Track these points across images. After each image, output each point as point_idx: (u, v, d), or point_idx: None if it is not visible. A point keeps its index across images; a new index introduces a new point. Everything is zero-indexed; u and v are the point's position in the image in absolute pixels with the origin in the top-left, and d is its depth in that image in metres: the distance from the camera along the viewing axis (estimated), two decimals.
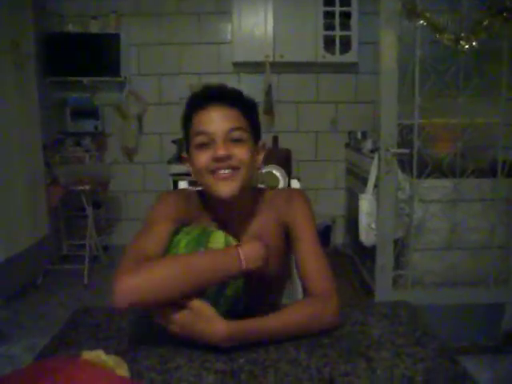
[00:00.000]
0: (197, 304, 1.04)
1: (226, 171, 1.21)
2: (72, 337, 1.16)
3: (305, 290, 1.26)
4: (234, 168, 1.21)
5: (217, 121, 1.22)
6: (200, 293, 1.06)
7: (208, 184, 1.23)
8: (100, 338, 1.14)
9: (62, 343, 1.13)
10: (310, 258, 1.26)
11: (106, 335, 1.16)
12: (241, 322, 1.05)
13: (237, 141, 1.22)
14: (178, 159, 4.19)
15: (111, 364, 0.93)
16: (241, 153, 1.22)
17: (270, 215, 1.34)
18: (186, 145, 1.31)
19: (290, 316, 1.12)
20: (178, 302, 1.04)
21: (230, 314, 1.09)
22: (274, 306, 1.16)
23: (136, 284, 1.02)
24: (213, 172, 1.21)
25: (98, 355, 0.94)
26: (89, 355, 0.94)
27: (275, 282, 1.38)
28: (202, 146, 1.22)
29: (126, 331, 1.17)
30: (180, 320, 1.04)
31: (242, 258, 1.07)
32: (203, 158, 1.22)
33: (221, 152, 1.19)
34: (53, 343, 1.13)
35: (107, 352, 0.95)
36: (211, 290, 1.07)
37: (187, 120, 1.28)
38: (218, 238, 1.14)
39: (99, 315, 1.27)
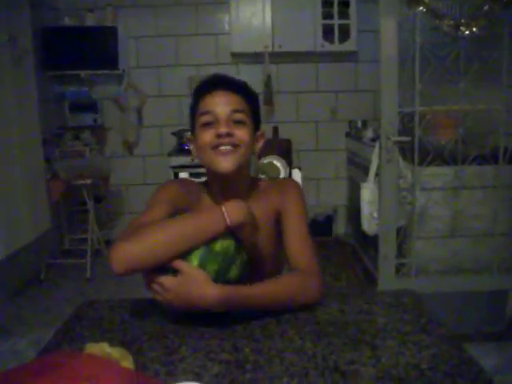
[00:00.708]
0: (190, 269, 1.09)
1: (228, 147, 1.29)
2: (76, 330, 1.15)
3: (292, 267, 1.31)
4: (235, 145, 1.30)
5: (221, 103, 1.31)
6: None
7: (209, 159, 1.31)
8: (104, 331, 1.14)
9: (65, 337, 1.12)
10: (296, 238, 1.33)
11: (110, 328, 1.15)
12: (232, 286, 1.11)
13: (238, 122, 1.32)
14: (179, 150, 4.19)
15: (116, 356, 0.92)
16: (241, 133, 1.31)
17: (264, 203, 1.40)
18: (191, 127, 1.40)
19: (277, 285, 1.18)
20: (171, 268, 1.10)
21: None
22: None
23: (129, 250, 1.10)
24: (214, 148, 1.29)
25: (102, 348, 0.94)
26: (93, 348, 0.94)
27: (269, 268, 1.41)
28: (207, 124, 1.31)
29: (129, 323, 1.16)
30: (174, 286, 1.09)
31: (225, 213, 1.13)
32: (207, 136, 1.30)
33: (224, 129, 1.28)
34: (57, 337, 1.13)
35: (111, 344, 0.95)
36: (213, 269, 1.11)
37: (194, 104, 1.37)
38: None
39: (103, 308, 1.27)
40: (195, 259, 1.10)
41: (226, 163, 1.28)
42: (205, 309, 1.09)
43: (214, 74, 1.39)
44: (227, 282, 1.12)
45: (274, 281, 1.19)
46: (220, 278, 1.11)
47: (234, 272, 1.14)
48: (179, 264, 1.10)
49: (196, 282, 1.08)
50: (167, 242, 1.10)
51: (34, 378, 0.85)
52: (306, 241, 1.33)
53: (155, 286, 1.11)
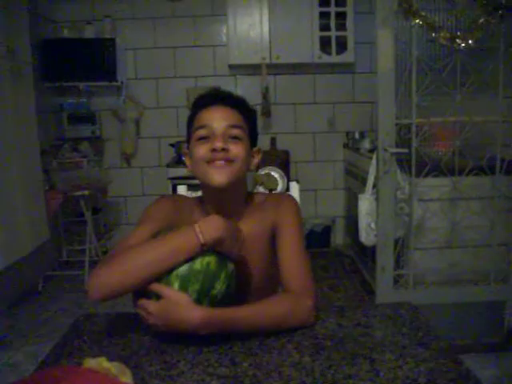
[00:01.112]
0: (171, 293, 1.09)
1: (222, 162, 1.27)
2: (74, 344, 1.15)
3: (284, 287, 1.29)
4: (229, 161, 1.28)
5: (218, 118, 1.30)
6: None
7: (203, 173, 1.30)
8: (102, 345, 1.14)
9: (64, 351, 1.12)
10: (290, 256, 1.31)
11: (109, 342, 1.15)
12: (216, 309, 1.10)
13: (234, 138, 1.30)
14: (177, 162, 4.19)
15: (114, 371, 0.92)
16: (237, 149, 1.29)
17: (259, 219, 1.38)
18: (187, 140, 1.39)
19: (265, 308, 1.16)
20: (153, 293, 1.10)
21: None
22: None
23: (105, 277, 1.11)
24: (209, 162, 1.28)
25: (100, 363, 0.94)
26: (91, 363, 0.94)
27: (263, 285, 1.39)
28: (202, 139, 1.30)
29: (128, 337, 1.16)
30: (155, 310, 1.09)
31: (198, 231, 1.11)
32: (202, 150, 1.29)
33: (219, 144, 1.26)
34: (55, 351, 1.12)
35: (110, 359, 0.95)
36: (195, 289, 1.09)
37: (191, 117, 1.37)
38: None
39: (101, 322, 1.27)
40: (175, 281, 1.09)
41: (219, 177, 1.27)
42: (189, 331, 1.08)
43: (214, 88, 1.38)
44: (213, 298, 1.11)
45: (261, 303, 1.17)
46: (204, 296, 1.10)
47: (218, 286, 1.11)
48: (159, 288, 1.09)
49: (178, 306, 1.07)
50: (143, 267, 1.10)
51: None
52: (300, 259, 1.30)
53: (139, 310, 1.12)
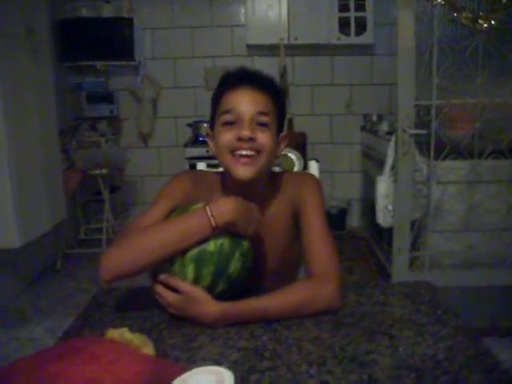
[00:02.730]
0: (187, 288, 1.09)
1: (248, 152, 1.21)
2: (96, 316, 1.17)
3: (307, 272, 1.26)
4: (256, 151, 1.22)
5: (246, 102, 1.23)
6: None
7: (228, 163, 1.24)
8: (124, 318, 1.16)
9: (86, 323, 1.14)
10: (314, 240, 1.26)
11: (130, 315, 1.17)
12: (233, 303, 1.09)
13: (262, 125, 1.23)
14: (194, 142, 4.20)
15: (136, 342, 0.94)
16: (264, 137, 1.23)
17: (281, 199, 1.35)
18: (211, 122, 1.32)
19: (284, 296, 1.13)
20: (172, 285, 1.10)
21: (233, 293, 1.13)
22: None
23: (115, 258, 1.12)
24: (233, 151, 1.22)
25: (122, 334, 0.95)
26: (114, 334, 0.96)
27: (286, 265, 1.39)
28: (228, 124, 1.23)
29: (148, 311, 1.18)
30: (174, 303, 1.11)
31: (210, 214, 1.09)
32: (227, 136, 1.23)
33: (246, 132, 1.20)
34: (77, 323, 1.15)
35: (132, 331, 0.96)
36: (210, 271, 1.09)
37: (217, 98, 1.29)
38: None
39: (122, 295, 1.29)
40: (189, 264, 1.09)
41: (244, 172, 1.22)
42: (207, 325, 1.08)
43: (242, 67, 1.29)
44: (228, 277, 1.11)
45: (279, 292, 1.14)
46: (219, 276, 1.10)
47: (233, 266, 1.11)
48: (177, 283, 1.10)
49: (195, 302, 1.08)
50: (153, 249, 1.10)
51: (55, 361, 0.86)
52: (324, 241, 1.25)
53: (158, 297, 1.14)
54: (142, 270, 1.12)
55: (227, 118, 1.23)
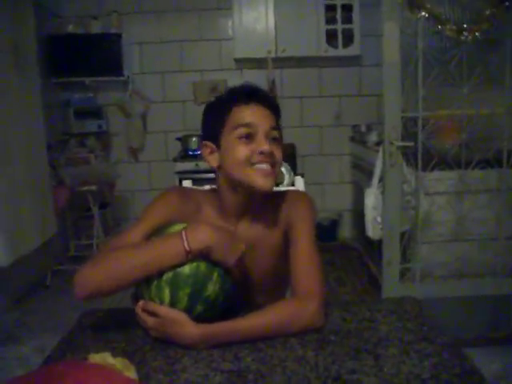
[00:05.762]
0: (164, 311, 1.08)
1: (268, 167, 1.24)
2: (79, 340, 1.16)
3: (291, 292, 1.26)
4: (273, 165, 1.25)
5: (261, 116, 1.26)
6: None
7: (245, 175, 1.24)
8: (107, 341, 1.14)
9: (69, 346, 1.13)
10: (300, 258, 1.26)
11: (113, 337, 1.16)
12: (213, 324, 1.08)
13: (275, 140, 1.28)
14: (184, 156, 4.20)
15: (118, 366, 0.93)
16: (278, 152, 1.27)
17: (274, 216, 1.35)
18: (213, 135, 1.30)
19: (264, 316, 1.13)
20: (150, 310, 1.10)
21: (214, 314, 1.12)
22: None
23: (90, 277, 1.12)
24: (252, 164, 1.23)
25: (105, 358, 0.94)
26: (96, 358, 0.95)
27: (274, 282, 1.39)
28: (244, 137, 1.24)
29: (132, 333, 1.17)
30: (155, 327, 1.10)
31: (185, 239, 1.09)
32: (245, 150, 1.24)
33: (266, 148, 1.22)
34: (60, 346, 1.13)
35: (115, 354, 0.95)
36: (186, 293, 1.08)
37: (224, 112, 1.28)
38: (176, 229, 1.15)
39: (106, 317, 1.28)
40: (165, 286, 1.08)
41: (265, 182, 1.23)
42: (189, 347, 1.07)
43: (246, 83, 1.32)
44: (207, 299, 1.09)
45: (260, 313, 1.13)
46: (196, 299, 1.09)
47: (211, 287, 1.10)
48: (154, 309, 1.09)
49: (174, 324, 1.08)
50: (127, 270, 1.10)
51: None
52: (312, 261, 1.25)
53: (140, 322, 1.13)
54: (115, 290, 1.11)
55: (244, 131, 1.24)
